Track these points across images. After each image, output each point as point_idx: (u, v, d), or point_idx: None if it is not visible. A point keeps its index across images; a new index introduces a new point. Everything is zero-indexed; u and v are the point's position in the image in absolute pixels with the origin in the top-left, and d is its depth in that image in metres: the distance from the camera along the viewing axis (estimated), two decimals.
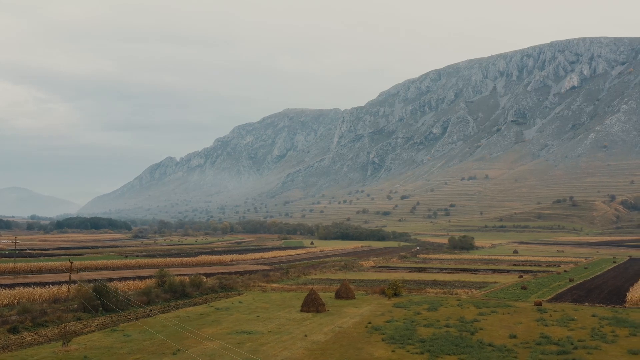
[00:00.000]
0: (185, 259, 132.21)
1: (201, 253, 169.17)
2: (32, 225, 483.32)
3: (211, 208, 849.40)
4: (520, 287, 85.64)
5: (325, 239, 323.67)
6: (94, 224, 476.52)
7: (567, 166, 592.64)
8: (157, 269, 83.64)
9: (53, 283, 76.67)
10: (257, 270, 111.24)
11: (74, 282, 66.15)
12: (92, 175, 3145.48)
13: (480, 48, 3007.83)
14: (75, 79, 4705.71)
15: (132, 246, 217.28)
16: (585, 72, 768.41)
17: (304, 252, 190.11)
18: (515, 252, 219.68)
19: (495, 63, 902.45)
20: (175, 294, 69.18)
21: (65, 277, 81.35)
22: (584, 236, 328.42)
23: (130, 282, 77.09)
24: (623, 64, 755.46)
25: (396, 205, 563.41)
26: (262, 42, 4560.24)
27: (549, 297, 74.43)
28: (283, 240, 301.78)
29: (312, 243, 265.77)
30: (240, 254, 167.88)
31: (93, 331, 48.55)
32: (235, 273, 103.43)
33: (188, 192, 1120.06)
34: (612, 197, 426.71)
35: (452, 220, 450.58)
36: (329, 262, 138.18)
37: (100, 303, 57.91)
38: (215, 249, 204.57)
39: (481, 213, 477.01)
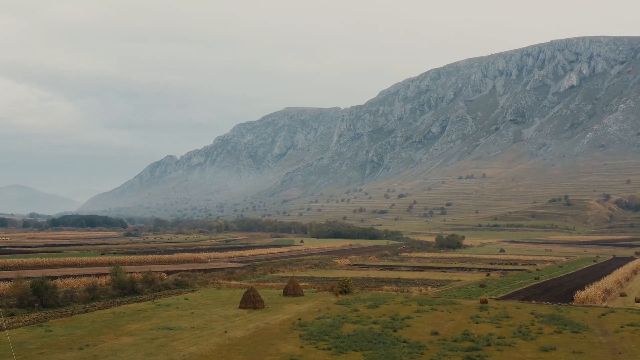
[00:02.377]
0: (159, 257, 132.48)
1: (184, 251, 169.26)
2: (28, 223, 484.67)
3: (210, 206, 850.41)
4: (479, 285, 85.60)
5: (318, 237, 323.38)
6: (89, 221, 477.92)
7: (564, 165, 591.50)
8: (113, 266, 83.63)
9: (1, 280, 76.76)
10: (225, 268, 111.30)
11: (11, 279, 66.32)
12: (94, 173, 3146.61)
13: (480, 47, 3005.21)
14: (77, 78, 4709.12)
15: (118, 244, 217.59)
16: (584, 72, 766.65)
17: (287, 250, 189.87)
18: (502, 250, 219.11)
19: (495, 62, 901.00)
20: (123, 290, 69.28)
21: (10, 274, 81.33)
22: (576, 235, 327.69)
23: (85, 279, 77.21)
24: (622, 63, 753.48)
25: (393, 204, 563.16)
26: (262, 42, 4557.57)
27: (502, 295, 74.30)
28: (274, 239, 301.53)
29: (301, 241, 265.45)
30: (220, 251, 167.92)
31: (20, 327, 48.65)
32: (203, 270, 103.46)
33: (188, 190, 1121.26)
34: (607, 197, 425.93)
35: (447, 219, 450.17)
36: (304, 260, 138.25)
37: (38, 299, 58.08)
38: (200, 246, 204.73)
39: (477, 212, 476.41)
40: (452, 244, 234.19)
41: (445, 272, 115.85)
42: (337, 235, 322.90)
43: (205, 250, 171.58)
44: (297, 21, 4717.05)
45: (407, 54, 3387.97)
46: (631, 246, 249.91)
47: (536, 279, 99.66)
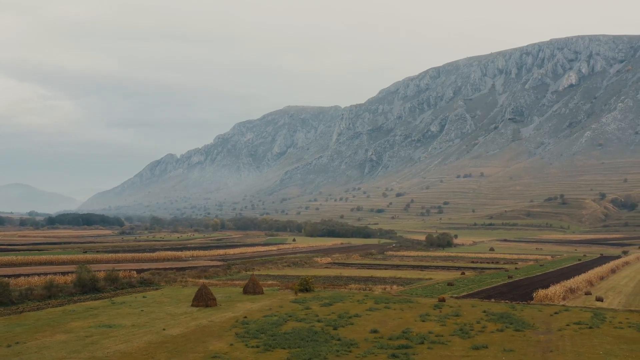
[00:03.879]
0: (140, 255, 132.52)
1: (172, 249, 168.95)
2: (26, 222, 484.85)
3: (209, 205, 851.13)
4: (447, 284, 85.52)
5: (312, 236, 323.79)
6: (86, 220, 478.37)
7: (562, 164, 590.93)
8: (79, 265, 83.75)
9: None
10: (201, 266, 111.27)
11: None
12: (95, 172, 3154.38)
13: (480, 46, 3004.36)
14: (79, 76, 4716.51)
15: (107, 242, 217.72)
16: (583, 70, 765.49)
17: (274, 249, 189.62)
18: (492, 249, 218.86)
19: (495, 61, 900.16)
20: (84, 288, 69.31)
21: None
22: (570, 234, 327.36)
23: (50, 277, 77.18)
24: (622, 62, 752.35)
25: (390, 203, 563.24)
26: (263, 41, 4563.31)
27: (465, 294, 74.17)
28: (268, 237, 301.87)
29: (294, 240, 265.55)
30: (205, 250, 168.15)
31: None
32: (176, 269, 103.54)
33: (188, 188, 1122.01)
34: (602, 195, 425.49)
35: (444, 218, 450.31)
36: (285, 259, 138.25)
37: None
38: (188, 245, 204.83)
39: (473, 211, 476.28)
40: (442, 242, 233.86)
41: (422, 270, 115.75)
42: (331, 233, 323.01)
43: (192, 249, 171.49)
44: (297, 21, 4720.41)
45: (407, 53, 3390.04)
46: (622, 245, 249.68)
47: (509, 277, 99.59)
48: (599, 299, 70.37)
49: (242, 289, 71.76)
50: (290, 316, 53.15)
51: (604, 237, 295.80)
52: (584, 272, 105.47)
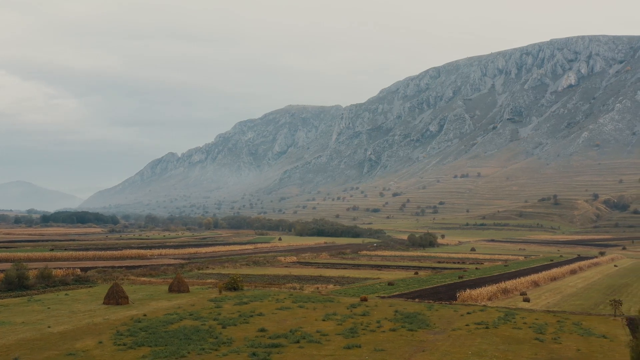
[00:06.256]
0: (102, 253, 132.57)
1: (150, 247, 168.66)
2: (20, 219, 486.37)
3: (208, 204, 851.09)
4: (388, 284, 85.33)
5: (301, 235, 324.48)
6: (80, 218, 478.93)
7: (559, 165, 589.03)
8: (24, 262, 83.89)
9: None
10: (158, 265, 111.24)
11: None
12: (98, 170, 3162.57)
13: (481, 46, 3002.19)
14: (83, 75, 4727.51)
15: (86, 240, 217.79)
16: (582, 71, 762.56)
17: (251, 247, 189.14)
18: (473, 249, 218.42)
19: (495, 61, 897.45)
20: (10, 285, 69.42)
21: None
22: (559, 235, 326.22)
23: None
24: (621, 62, 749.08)
25: (386, 203, 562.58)
26: (265, 40, 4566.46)
27: (396, 293, 73.91)
28: (257, 236, 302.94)
29: (279, 239, 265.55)
30: (178, 248, 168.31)
31: None
32: (125, 267, 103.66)
33: (188, 187, 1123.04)
34: (595, 196, 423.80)
35: (437, 218, 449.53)
36: (249, 258, 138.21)
37: None
38: (166, 243, 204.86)
39: (467, 211, 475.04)
40: (424, 242, 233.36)
41: (379, 270, 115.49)
42: (320, 233, 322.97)
43: (165, 247, 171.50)
44: (300, 20, 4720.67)
45: (410, 52, 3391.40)
46: (607, 246, 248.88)
47: (460, 277, 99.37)
48: (526, 300, 70.16)
49: (168, 287, 71.70)
50: (191, 314, 53.10)
51: (591, 238, 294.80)
52: (540, 272, 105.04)
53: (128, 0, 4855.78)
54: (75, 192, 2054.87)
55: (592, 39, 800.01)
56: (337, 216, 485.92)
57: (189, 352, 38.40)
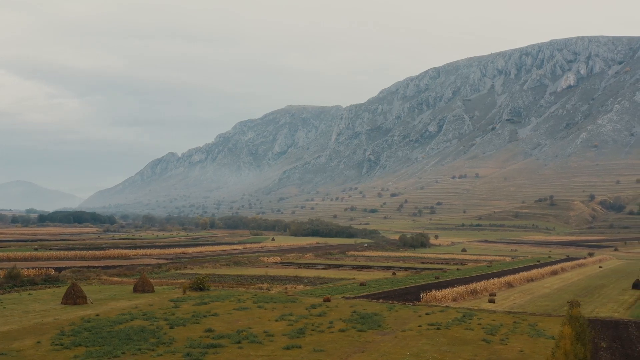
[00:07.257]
0: (84, 253, 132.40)
1: (136, 247, 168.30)
2: (18, 219, 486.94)
3: (208, 203, 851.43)
4: (360, 284, 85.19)
5: (296, 235, 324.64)
6: (77, 218, 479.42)
7: (557, 165, 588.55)
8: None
9: None
10: (135, 265, 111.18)
11: None
12: (99, 169, 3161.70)
13: (480, 46, 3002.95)
14: (84, 74, 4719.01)
15: (77, 240, 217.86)
16: (582, 71, 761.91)
17: (240, 247, 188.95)
18: (464, 250, 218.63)
19: (494, 61, 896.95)
20: None
21: None
22: (554, 236, 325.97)
23: None
24: (620, 63, 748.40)
25: (384, 203, 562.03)
26: (266, 40, 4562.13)
27: (364, 294, 73.77)
28: (251, 236, 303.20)
29: (272, 239, 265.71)
30: (164, 248, 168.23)
31: None
32: (101, 267, 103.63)
33: (188, 187, 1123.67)
34: (592, 197, 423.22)
35: (434, 219, 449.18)
36: (231, 258, 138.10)
37: None
38: (157, 243, 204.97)
39: (464, 212, 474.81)
40: (415, 243, 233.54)
41: (359, 270, 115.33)
42: (315, 233, 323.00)
43: (160, 247, 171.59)
44: (300, 20, 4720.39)
45: (410, 52, 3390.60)
46: (599, 247, 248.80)
47: (436, 278, 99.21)
48: (492, 301, 70.02)
49: (133, 287, 71.61)
50: (144, 315, 53.02)
51: (585, 239, 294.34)
52: (517, 273, 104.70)
53: (128, 0, 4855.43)
54: (76, 192, 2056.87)
55: (592, 40, 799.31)
56: (335, 216, 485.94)
57: (123, 352, 38.32)
